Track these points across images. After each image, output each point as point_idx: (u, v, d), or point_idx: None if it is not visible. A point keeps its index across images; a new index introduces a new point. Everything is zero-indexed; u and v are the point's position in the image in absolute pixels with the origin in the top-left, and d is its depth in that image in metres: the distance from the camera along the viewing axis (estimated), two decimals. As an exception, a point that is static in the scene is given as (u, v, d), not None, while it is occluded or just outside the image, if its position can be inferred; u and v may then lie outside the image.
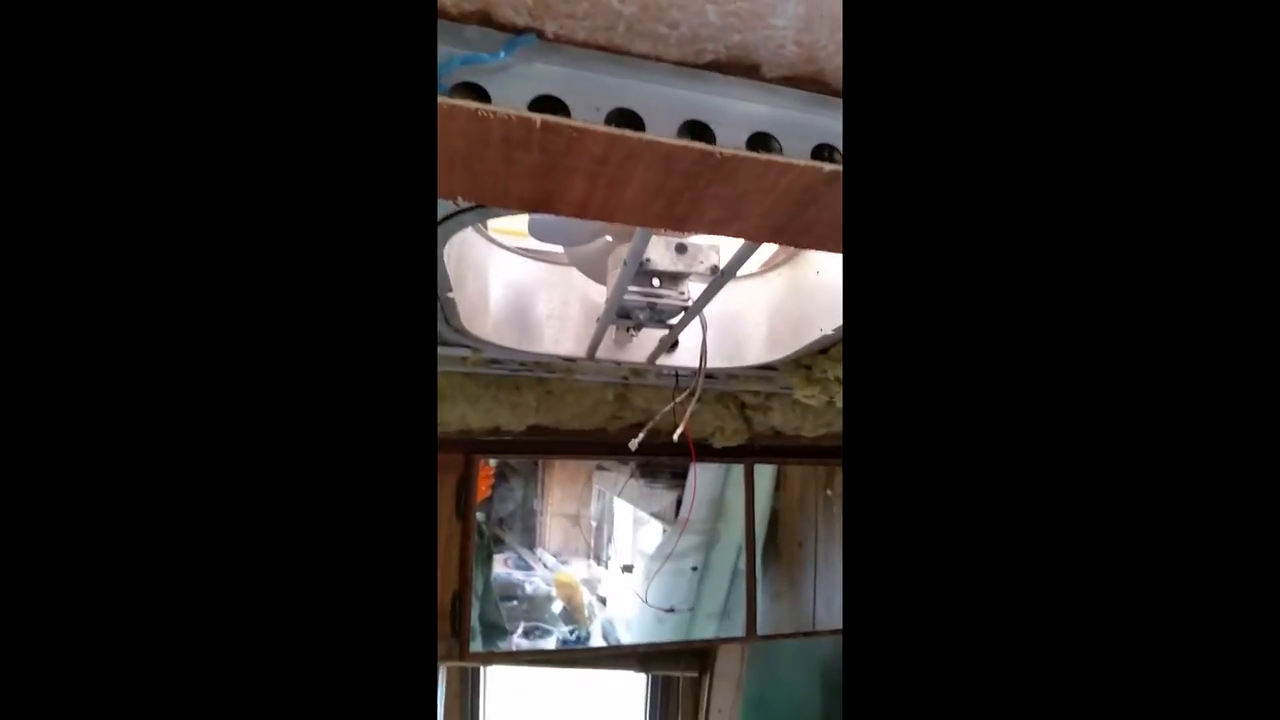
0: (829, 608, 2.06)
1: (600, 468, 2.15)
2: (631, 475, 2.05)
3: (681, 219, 0.50)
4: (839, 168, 0.45)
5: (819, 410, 1.43)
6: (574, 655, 1.74)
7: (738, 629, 1.78)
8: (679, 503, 2.03)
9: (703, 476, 1.99)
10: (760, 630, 1.87)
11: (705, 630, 1.90)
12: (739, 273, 1.12)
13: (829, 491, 2.06)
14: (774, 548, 2.09)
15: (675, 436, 0.88)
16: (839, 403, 1.01)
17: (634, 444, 0.88)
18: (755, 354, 1.01)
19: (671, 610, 1.85)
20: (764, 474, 2.07)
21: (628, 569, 2.05)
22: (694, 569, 1.90)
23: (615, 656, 1.83)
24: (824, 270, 0.91)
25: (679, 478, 2.04)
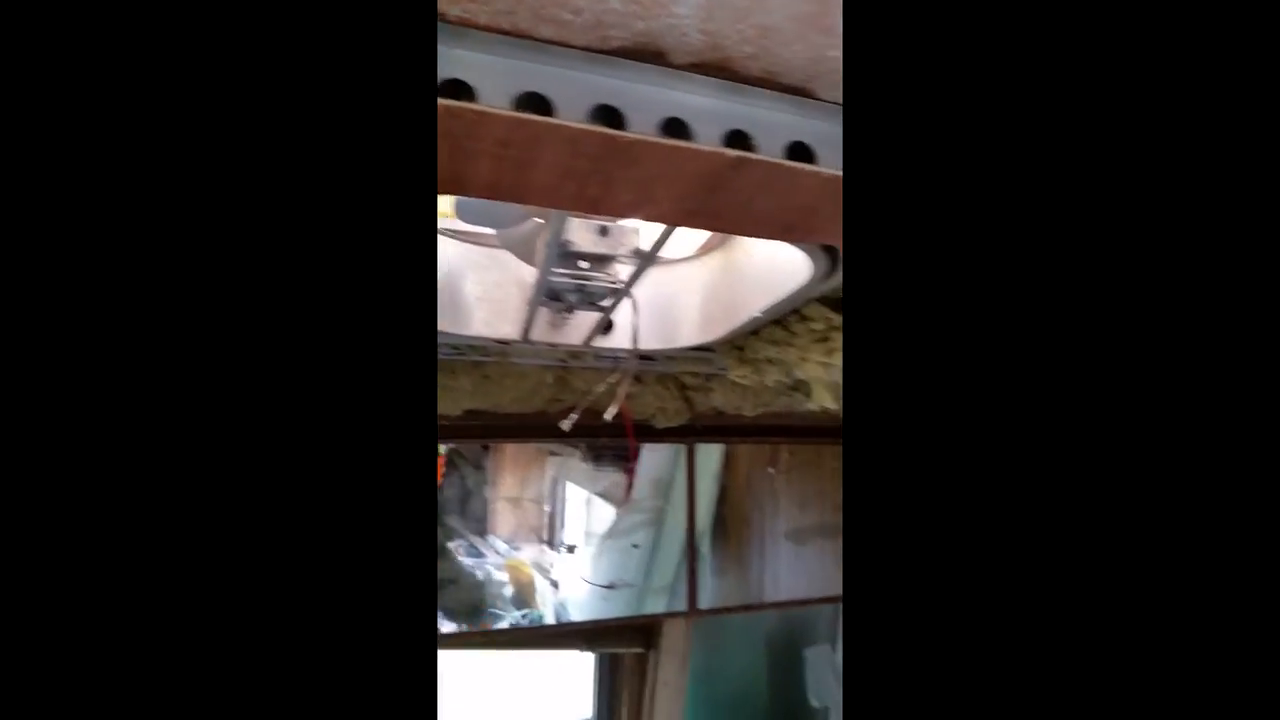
0: (775, 582, 2.13)
1: (551, 452, 2.16)
2: (582, 458, 2.07)
3: (594, 201, 0.51)
4: (744, 154, 0.47)
5: (757, 390, 1.47)
6: (517, 635, 1.75)
7: (683, 604, 1.82)
8: (629, 484, 2.06)
9: (651, 457, 2.02)
10: (708, 605, 1.92)
11: (655, 607, 1.94)
12: (675, 256, 1.14)
13: (771, 469, 2.12)
14: (722, 525, 2.14)
15: (608, 417, 0.90)
16: (770, 382, 1.04)
17: (566, 424, 0.89)
18: (689, 336, 1.03)
19: (610, 586, 1.88)
20: (712, 454, 2.12)
21: (570, 549, 2.07)
22: (634, 546, 1.93)
23: (560, 636, 1.86)
24: (755, 253, 0.94)
25: (625, 459, 2.07)
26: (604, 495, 2.06)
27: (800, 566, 2.16)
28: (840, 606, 2.27)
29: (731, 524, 2.16)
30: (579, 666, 2.13)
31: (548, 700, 2.27)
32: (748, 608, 1.98)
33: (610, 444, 2.00)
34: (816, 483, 2.18)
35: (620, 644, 1.89)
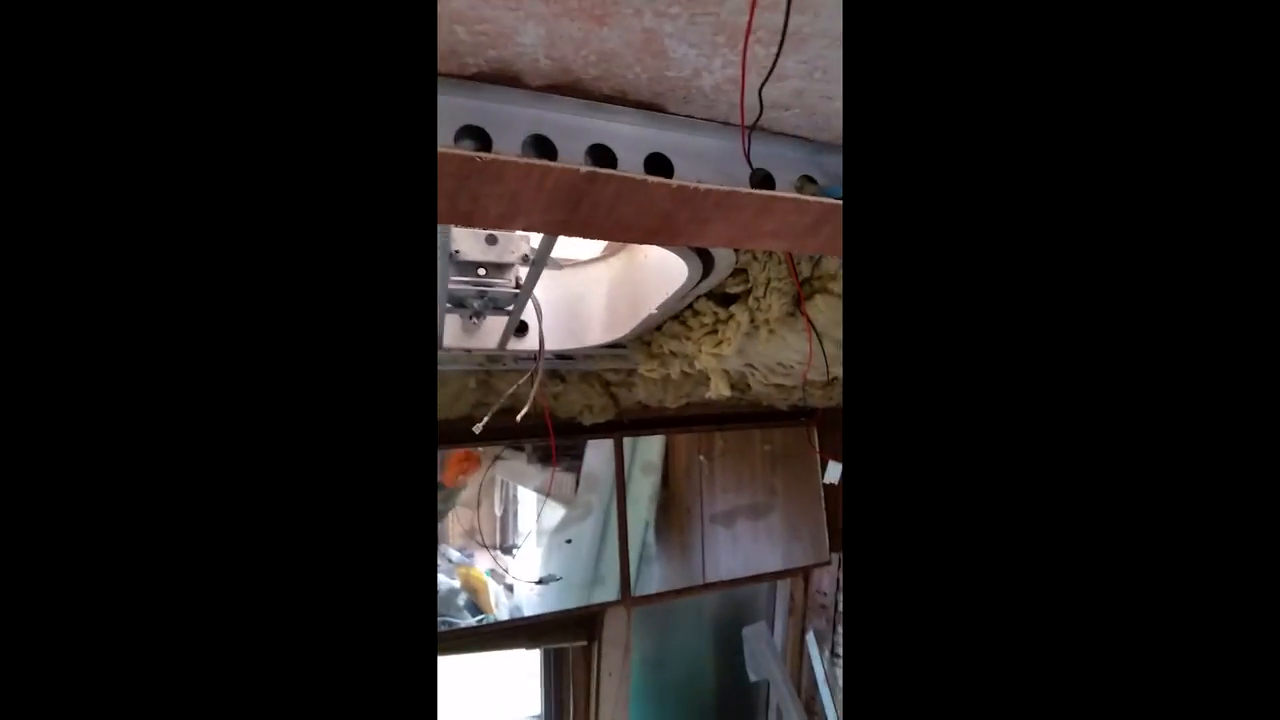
0: (715, 565, 2.21)
1: (499, 457, 2.16)
2: (528, 460, 2.09)
3: (467, 215, 0.55)
4: (595, 169, 0.52)
5: (677, 383, 1.53)
6: (460, 637, 1.77)
7: (630, 592, 1.88)
8: (578, 481, 2.10)
9: (597, 454, 2.06)
10: (655, 592, 1.99)
11: (600, 599, 1.99)
12: (583, 258, 1.18)
13: (701, 457, 2.19)
14: (666, 513, 2.21)
15: (519, 417, 0.93)
16: (675, 374, 1.10)
17: (478, 428, 0.93)
18: (597, 334, 1.08)
19: (541, 582, 1.92)
20: (652, 446, 2.18)
21: (507, 550, 2.09)
22: (567, 541, 1.97)
23: (504, 635, 1.88)
24: (651, 254, 0.99)
25: (576, 458, 2.11)
26: (540, 493, 2.09)
27: (737, 548, 2.25)
28: (774, 584, 2.37)
29: (675, 512, 2.23)
30: (527, 665, 2.16)
31: (497, 701, 2.29)
32: (679, 592, 2.05)
33: (564, 445, 2.03)
34: (748, 467, 2.27)
35: (564, 638, 1.92)
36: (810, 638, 2.33)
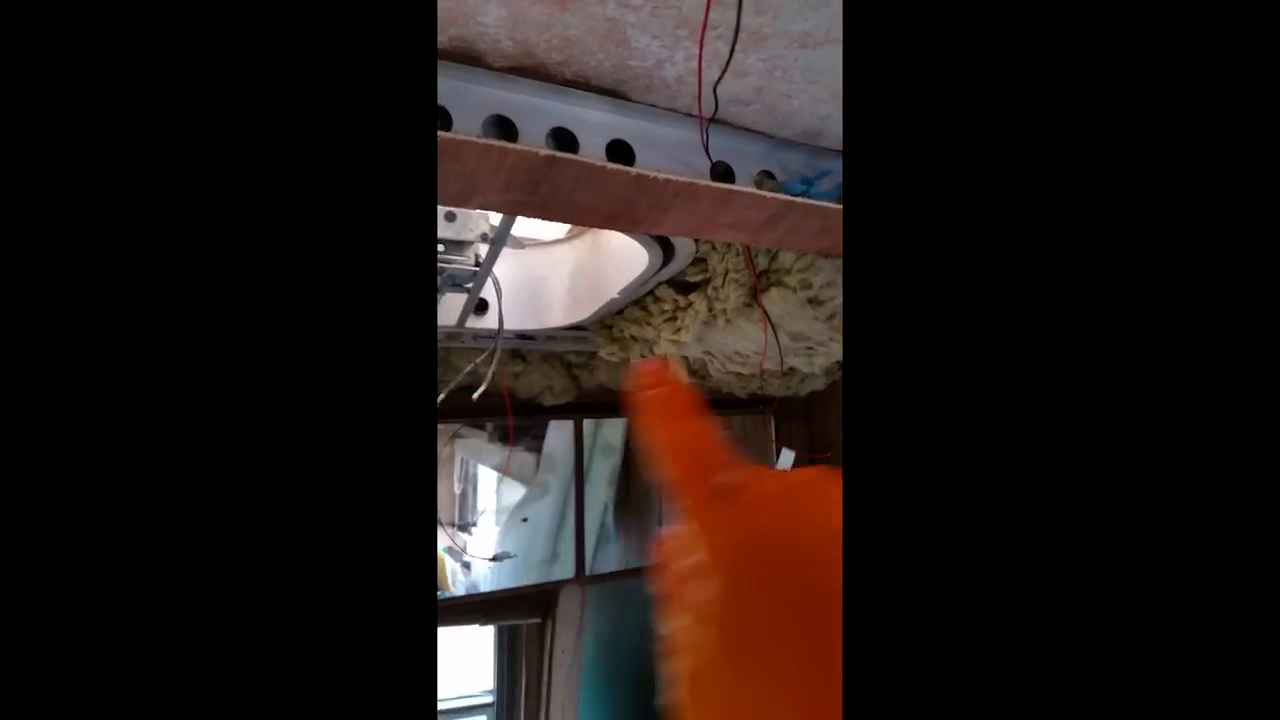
0: (673, 548, 2.26)
1: (458, 435, 2.15)
2: (489, 439, 2.09)
3: (424, 193, 0.55)
4: (555, 153, 0.52)
5: (640, 367, 1.54)
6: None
7: (579, 573, 1.90)
8: (539, 462, 2.11)
9: (560, 434, 2.07)
10: (610, 567, 2.03)
11: (560, 577, 2.01)
12: (546, 239, 1.18)
13: (662, 442, 2.22)
14: (626, 495, 2.23)
15: (475, 396, 0.93)
16: (635, 359, 1.11)
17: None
18: (558, 316, 1.08)
19: (495, 559, 1.93)
20: (615, 428, 2.20)
21: (465, 528, 2.09)
22: (523, 520, 1.99)
23: (459, 611, 1.89)
24: (614, 238, 0.99)
25: (538, 439, 2.11)
26: (499, 471, 2.09)
27: (694, 532, 2.29)
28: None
29: (633, 493, 2.25)
30: (481, 642, 2.17)
31: (451, 677, 2.30)
32: (633, 571, 2.09)
33: (519, 424, 2.03)
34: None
35: (518, 615, 1.94)
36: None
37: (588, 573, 1.92)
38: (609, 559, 2.14)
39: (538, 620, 1.96)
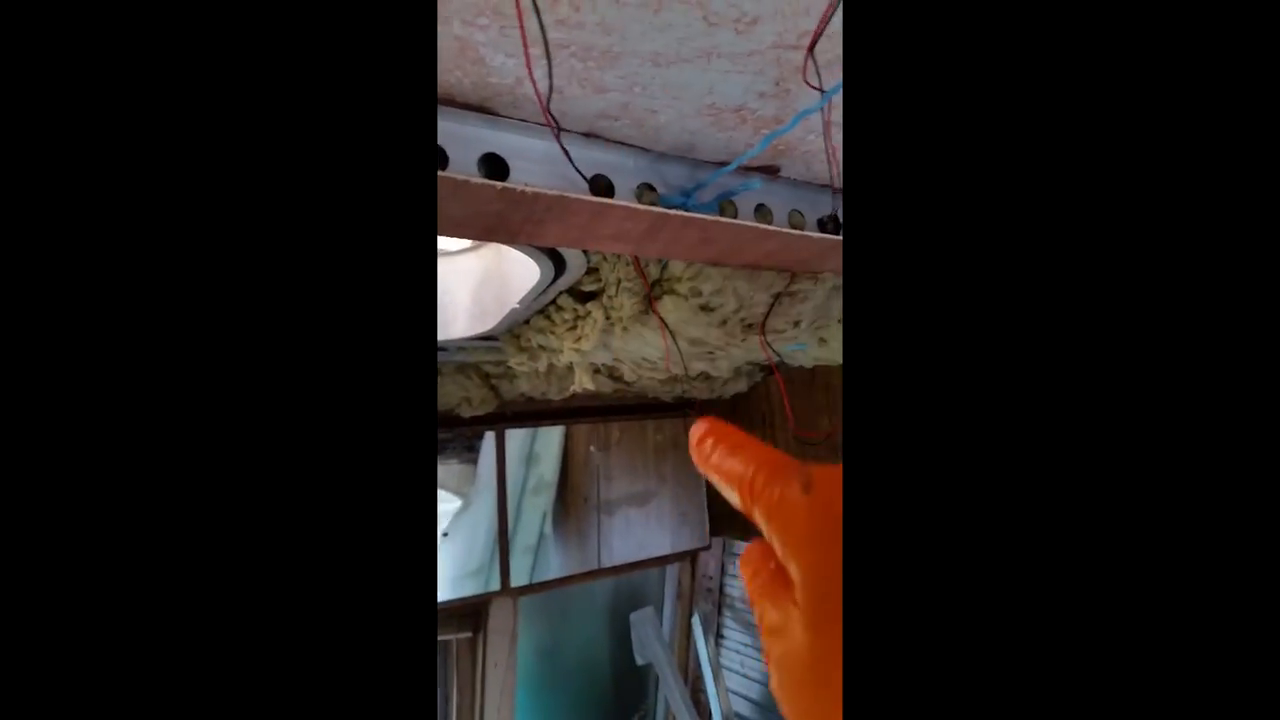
0: (610, 552, 2.26)
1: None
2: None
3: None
4: (486, 180, 0.52)
5: (561, 375, 1.54)
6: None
7: (515, 583, 1.89)
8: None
9: (491, 446, 2.05)
10: (555, 573, 2.02)
11: (491, 589, 1.98)
12: (452, 249, 1.17)
13: (593, 448, 2.23)
14: (564, 503, 2.23)
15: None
16: (543, 368, 1.11)
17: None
18: (463, 326, 1.07)
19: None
20: (551, 437, 2.19)
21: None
22: (443, 535, 1.96)
23: (384, 631, 1.84)
24: (514, 250, 1.00)
25: (473, 450, 2.08)
26: (450, 489, 2.05)
27: (630, 534, 2.30)
28: (665, 569, 2.45)
29: (572, 502, 2.25)
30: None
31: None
32: (563, 580, 2.08)
33: (442, 436, 2.00)
34: (641, 456, 2.32)
35: (449, 630, 1.91)
36: (695, 621, 2.42)
37: (528, 582, 1.91)
38: (550, 567, 2.13)
39: (469, 634, 1.93)
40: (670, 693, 2.28)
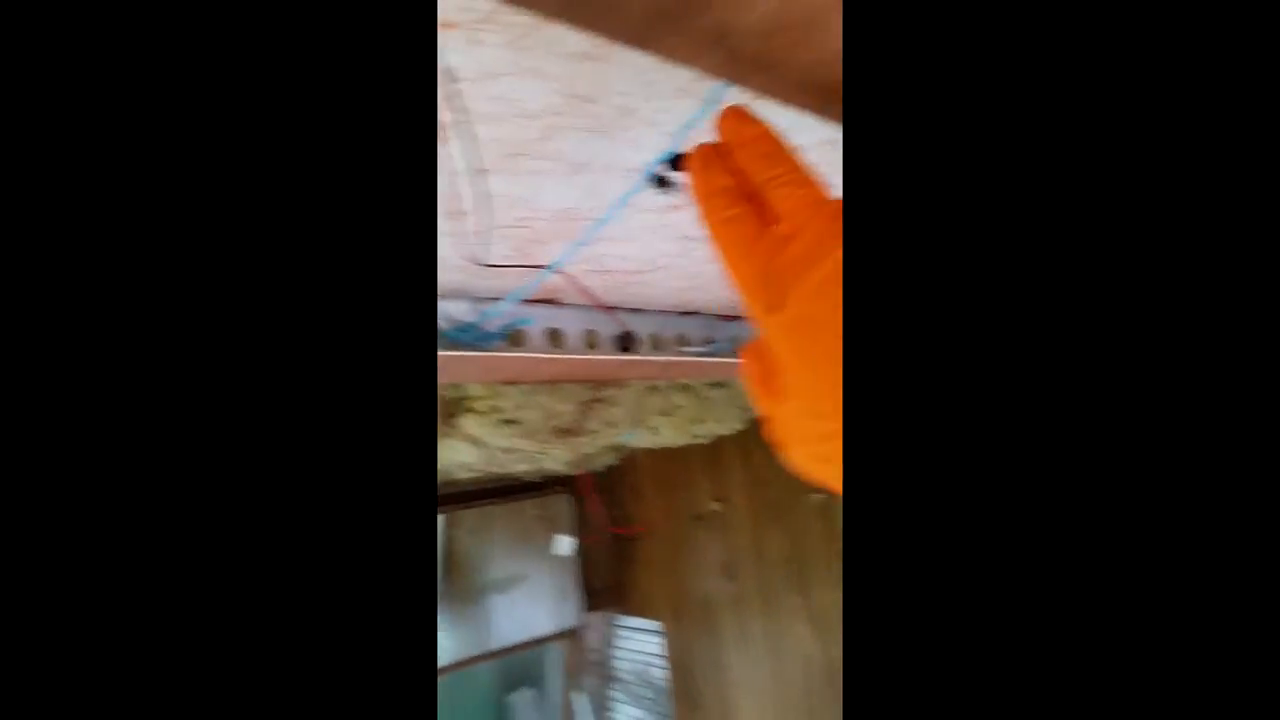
0: (498, 633, 2.21)
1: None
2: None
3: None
4: None
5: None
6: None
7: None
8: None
9: None
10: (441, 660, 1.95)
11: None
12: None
13: (463, 532, 2.20)
14: (451, 587, 2.18)
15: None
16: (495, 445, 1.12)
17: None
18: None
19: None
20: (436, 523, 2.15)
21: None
22: None
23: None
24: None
25: None
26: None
27: (515, 614, 2.26)
28: (548, 646, 2.41)
29: (458, 585, 2.19)
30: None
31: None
32: (458, 663, 2.02)
33: None
34: (522, 533, 2.31)
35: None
36: (575, 697, 2.38)
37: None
38: (445, 652, 2.07)
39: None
40: (556, 779, 2.21)
